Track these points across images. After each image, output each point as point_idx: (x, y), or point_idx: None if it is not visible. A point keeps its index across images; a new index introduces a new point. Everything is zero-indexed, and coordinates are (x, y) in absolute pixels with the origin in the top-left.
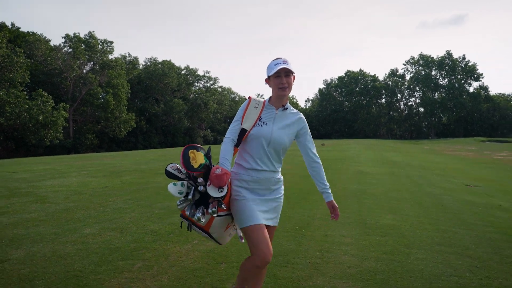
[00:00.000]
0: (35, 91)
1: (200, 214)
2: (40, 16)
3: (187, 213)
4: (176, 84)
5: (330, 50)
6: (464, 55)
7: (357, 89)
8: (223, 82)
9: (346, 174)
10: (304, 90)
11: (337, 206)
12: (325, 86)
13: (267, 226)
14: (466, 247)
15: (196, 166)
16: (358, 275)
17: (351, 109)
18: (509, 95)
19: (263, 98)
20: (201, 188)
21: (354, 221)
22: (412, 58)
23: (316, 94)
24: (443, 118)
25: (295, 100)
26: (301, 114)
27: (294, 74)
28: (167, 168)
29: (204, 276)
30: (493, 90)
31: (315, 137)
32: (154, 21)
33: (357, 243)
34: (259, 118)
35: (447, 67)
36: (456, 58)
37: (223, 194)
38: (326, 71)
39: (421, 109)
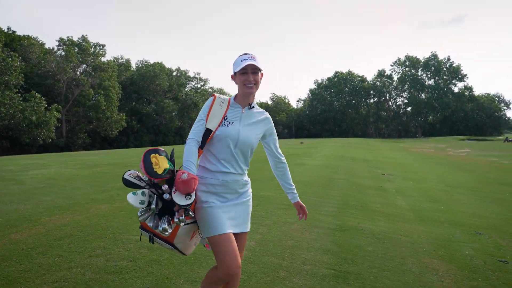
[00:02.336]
0: (29, 93)
1: (166, 224)
2: (36, 19)
3: (150, 224)
4: (167, 85)
5: (324, 51)
6: (448, 56)
7: (346, 89)
8: (216, 83)
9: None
10: (297, 90)
11: (304, 206)
12: (315, 86)
13: (238, 233)
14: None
15: (160, 172)
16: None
17: (340, 109)
18: (493, 95)
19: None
20: (166, 196)
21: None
22: (399, 59)
23: (308, 94)
24: (429, 118)
25: (287, 100)
26: (267, 113)
27: (262, 72)
28: (124, 176)
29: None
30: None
31: (306, 136)
32: (147, 23)
33: None
34: (225, 118)
35: (432, 68)
36: (441, 59)
37: (190, 201)
38: (319, 71)
39: (409, 109)
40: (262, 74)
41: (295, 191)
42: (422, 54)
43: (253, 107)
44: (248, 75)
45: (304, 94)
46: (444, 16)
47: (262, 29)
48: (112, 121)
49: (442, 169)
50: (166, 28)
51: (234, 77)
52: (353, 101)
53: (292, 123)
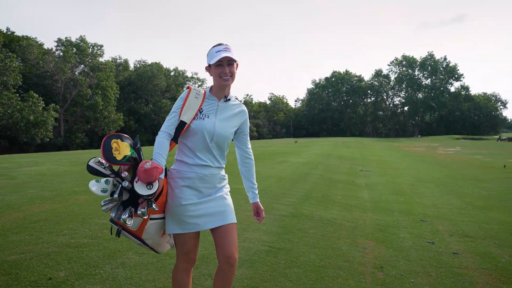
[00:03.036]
0: (27, 93)
1: (127, 215)
2: (35, 19)
3: (112, 215)
4: (165, 85)
5: (325, 51)
6: (445, 56)
7: (344, 89)
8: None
9: (269, 162)
10: (297, 90)
11: (262, 208)
12: (313, 86)
13: (223, 226)
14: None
15: (119, 158)
16: None
17: (338, 108)
18: (490, 94)
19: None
20: (125, 183)
21: None
22: (396, 59)
23: (306, 94)
24: (426, 117)
25: (285, 100)
26: (244, 105)
27: (237, 62)
28: (89, 163)
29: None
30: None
31: (304, 135)
32: (146, 24)
33: None
34: (200, 110)
35: (429, 68)
36: (438, 59)
37: (152, 191)
38: (319, 71)
39: (406, 108)
40: (237, 65)
41: (256, 191)
42: (422, 54)
43: (229, 99)
44: (223, 67)
45: (302, 94)
46: (444, 16)
47: (260, 29)
48: (110, 120)
49: (423, 166)
50: (164, 29)
51: (208, 69)
52: (351, 101)
53: (290, 122)
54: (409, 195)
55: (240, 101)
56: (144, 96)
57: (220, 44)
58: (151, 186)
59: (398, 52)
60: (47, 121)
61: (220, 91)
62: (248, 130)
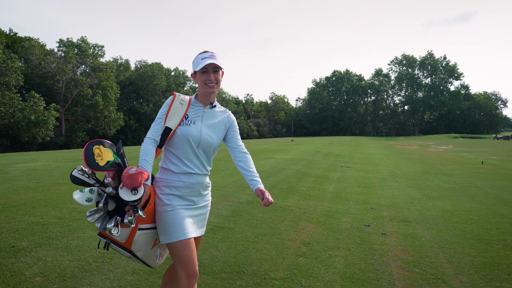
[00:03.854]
0: (29, 93)
1: (112, 224)
2: (38, 20)
3: (97, 225)
4: (165, 85)
5: (329, 49)
6: (445, 55)
7: (343, 88)
8: None
9: (255, 158)
10: (298, 90)
11: (266, 191)
12: (314, 86)
13: (197, 237)
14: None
15: (102, 164)
16: None
17: (338, 107)
18: (490, 93)
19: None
20: (109, 190)
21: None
22: (396, 58)
23: (308, 93)
24: (426, 116)
25: (286, 100)
26: (229, 111)
27: (222, 70)
28: (72, 173)
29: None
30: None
31: (304, 135)
32: (147, 24)
33: None
34: (186, 116)
35: (429, 67)
36: (437, 58)
37: (137, 197)
38: (322, 71)
39: (406, 108)
40: (223, 72)
41: (257, 178)
42: (425, 53)
43: (215, 106)
44: (209, 74)
45: (304, 93)
46: (449, 14)
47: (262, 28)
48: (110, 120)
49: (404, 162)
50: (165, 29)
51: (194, 76)
52: (351, 100)
53: (291, 122)
54: (374, 188)
55: (225, 108)
56: (145, 96)
57: (205, 52)
58: (136, 192)
59: (400, 51)
60: (48, 121)
61: (206, 98)
62: (238, 132)
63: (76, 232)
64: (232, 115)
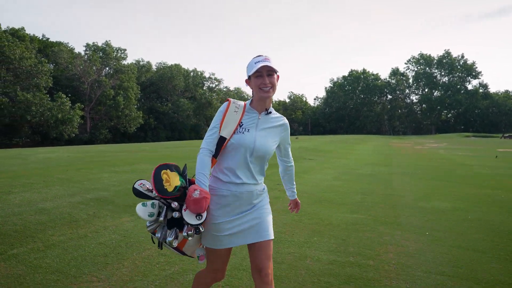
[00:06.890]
0: (57, 94)
1: (173, 237)
2: (68, 25)
3: (158, 235)
4: (184, 85)
5: (344, 49)
6: (462, 53)
7: (360, 87)
8: (232, 83)
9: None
10: (315, 89)
11: (299, 202)
12: (331, 85)
13: (258, 242)
14: None
15: (170, 189)
16: None
17: (354, 106)
18: (510, 92)
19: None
20: (176, 214)
21: None
22: (413, 57)
23: (325, 92)
24: (442, 115)
25: (304, 99)
26: (285, 118)
27: (278, 74)
28: (134, 186)
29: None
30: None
31: (321, 133)
32: (167, 27)
33: None
34: (240, 124)
35: (446, 66)
36: (455, 57)
37: (201, 221)
38: (341, 70)
39: (424, 106)
40: (278, 76)
41: (295, 190)
42: (461, 50)
43: (270, 112)
44: (263, 78)
45: (322, 92)
46: (486, 9)
47: (280, 29)
48: (130, 118)
49: (373, 156)
50: (184, 31)
51: (248, 81)
52: (367, 99)
53: (308, 120)
54: (310, 174)
55: (281, 114)
56: (164, 96)
57: (259, 55)
58: (201, 217)
59: (406, 51)
60: (73, 119)
61: (261, 103)
62: (290, 143)
63: (61, 220)
64: (287, 123)
